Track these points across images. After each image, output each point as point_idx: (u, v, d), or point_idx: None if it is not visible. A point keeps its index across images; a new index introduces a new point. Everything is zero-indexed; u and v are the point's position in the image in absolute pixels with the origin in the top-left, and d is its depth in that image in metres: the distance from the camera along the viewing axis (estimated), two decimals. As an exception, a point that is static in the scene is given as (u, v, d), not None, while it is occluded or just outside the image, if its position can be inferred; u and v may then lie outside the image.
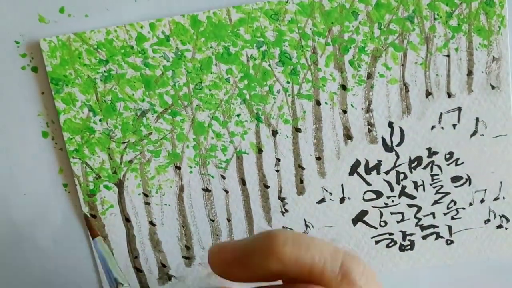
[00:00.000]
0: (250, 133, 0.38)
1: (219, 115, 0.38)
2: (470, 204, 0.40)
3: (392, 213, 0.40)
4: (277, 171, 0.39)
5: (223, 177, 0.39)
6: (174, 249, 0.41)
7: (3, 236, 0.41)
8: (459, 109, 0.38)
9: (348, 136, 0.38)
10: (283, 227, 0.40)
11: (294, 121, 0.38)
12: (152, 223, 0.40)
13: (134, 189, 0.39)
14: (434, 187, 0.39)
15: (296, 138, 0.38)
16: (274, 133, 0.38)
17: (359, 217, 0.40)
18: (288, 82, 0.37)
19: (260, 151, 0.38)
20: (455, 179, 0.39)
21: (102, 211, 0.39)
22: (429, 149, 0.38)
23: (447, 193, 0.40)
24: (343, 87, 0.37)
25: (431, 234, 0.41)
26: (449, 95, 0.37)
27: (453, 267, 0.42)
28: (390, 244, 0.41)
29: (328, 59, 0.36)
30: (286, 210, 0.40)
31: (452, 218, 0.40)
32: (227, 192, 0.39)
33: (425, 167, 0.39)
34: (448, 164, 0.39)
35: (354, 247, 0.41)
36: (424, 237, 0.41)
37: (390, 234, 0.41)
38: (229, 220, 0.40)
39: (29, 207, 0.40)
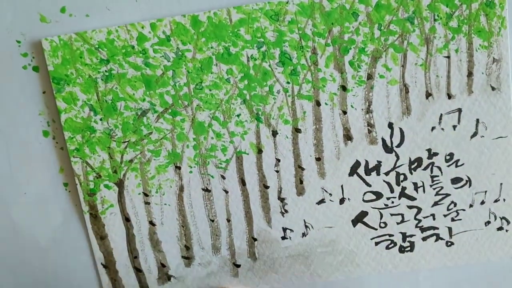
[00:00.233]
0: (250, 133, 0.38)
1: (219, 115, 0.38)
2: (470, 205, 0.40)
3: (392, 214, 0.40)
4: (277, 171, 0.39)
5: (223, 177, 0.39)
6: (173, 249, 0.41)
7: (3, 235, 0.41)
8: (459, 110, 0.38)
9: (348, 137, 0.38)
10: (282, 228, 0.40)
11: (294, 121, 0.38)
12: (151, 223, 0.40)
13: (134, 189, 0.39)
14: (434, 189, 0.39)
15: (296, 139, 0.38)
16: (274, 133, 0.38)
17: (359, 218, 0.40)
18: (288, 83, 0.37)
19: (260, 151, 0.39)
20: (455, 180, 0.39)
21: (102, 210, 0.40)
22: (429, 150, 0.38)
23: (447, 195, 0.40)
24: (343, 88, 0.37)
25: (431, 235, 0.41)
26: (449, 96, 0.37)
27: (453, 269, 0.42)
28: (390, 246, 0.41)
29: (328, 59, 0.37)
30: (286, 211, 0.40)
31: (452, 219, 0.40)
32: (226, 192, 0.40)
33: (425, 168, 0.39)
34: (448, 166, 0.39)
35: (354, 248, 0.41)
36: (424, 239, 0.41)
37: (390, 235, 0.41)
38: (228, 220, 0.40)
39: (30, 206, 0.40)
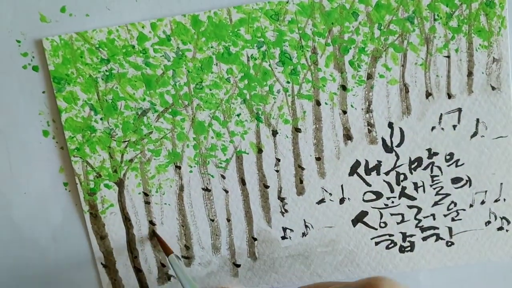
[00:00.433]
0: (250, 133, 0.38)
1: (219, 114, 0.38)
2: (471, 205, 0.40)
3: (392, 214, 0.40)
4: (277, 171, 0.39)
5: (223, 177, 0.39)
6: (173, 248, 0.41)
7: (3, 235, 0.41)
8: (459, 110, 0.38)
9: (348, 137, 0.38)
10: (282, 227, 0.40)
11: (294, 121, 0.38)
12: (152, 223, 0.40)
13: (134, 188, 0.39)
14: (434, 188, 0.39)
15: (296, 138, 0.38)
16: (274, 133, 0.38)
17: (359, 218, 0.40)
18: (288, 82, 0.37)
19: (260, 151, 0.39)
20: (456, 180, 0.39)
21: (102, 210, 0.40)
22: (429, 150, 0.38)
23: (447, 194, 0.40)
24: (343, 88, 0.37)
25: (431, 235, 0.41)
26: (449, 96, 0.37)
27: (453, 269, 0.42)
28: (390, 246, 0.41)
29: (328, 59, 0.37)
30: (286, 210, 0.40)
31: (453, 219, 0.40)
32: (227, 191, 0.40)
33: (425, 168, 0.39)
34: (449, 165, 0.39)
35: (354, 248, 0.41)
36: (424, 239, 0.41)
37: (390, 235, 0.41)
38: (228, 220, 0.40)
39: (30, 206, 0.40)
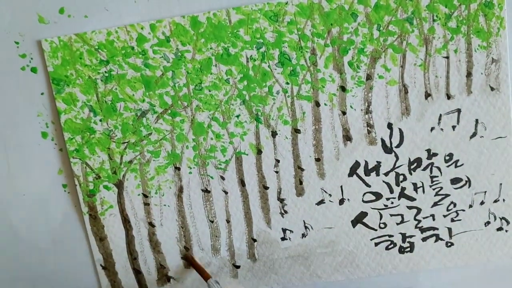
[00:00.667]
0: (250, 134, 0.38)
1: (218, 115, 0.38)
2: (470, 206, 0.40)
3: (391, 215, 0.40)
4: (277, 172, 0.39)
5: (223, 178, 0.39)
6: (173, 250, 0.41)
7: (3, 237, 0.41)
8: (459, 110, 0.38)
9: (347, 137, 0.38)
10: (282, 228, 0.40)
11: (293, 122, 0.38)
12: (151, 224, 0.40)
13: (134, 190, 0.39)
14: (433, 189, 0.39)
15: (295, 139, 0.38)
16: (274, 134, 0.38)
17: (359, 219, 0.40)
18: (287, 83, 0.37)
19: (259, 152, 0.39)
20: (455, 180, 0.39)
21: (101, 211, 0.40)
22: (428, 150, 0.38)
23: (447, 195, 0.40)
24: (342, 88, 0.37)
25: (431, 236, 0.41)
26: (449, 97, 0.37)
27: (453, 269, 0.42)
28: (390, 246, 0.41)
29: (327, 60, 0.37)
30: (286, 211, 0.40)
31: (452, 220, 0.40)
32: (226, 193, 0.39)
33: (424, 169, 0.39)
34: (448, 166, 0.39)
35: (354, 249, 0.41)
36: (423, 239, 0.41)
37: (390, 236, 0.41)
38: (228, 221, 0.40)
39: (29, 208, 0.40)
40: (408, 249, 0.41)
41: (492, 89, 0.37)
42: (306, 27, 0.36)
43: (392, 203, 0.40)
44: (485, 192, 0.39)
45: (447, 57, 0.37)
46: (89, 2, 0.35)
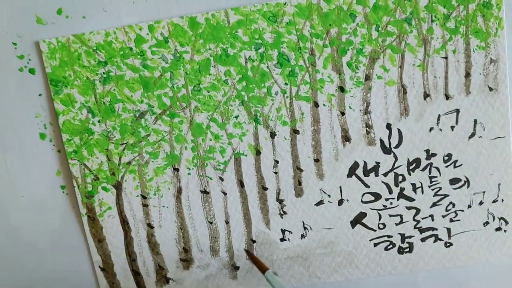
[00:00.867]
0: (249, 134, 0.38)
1: (217, 116, 0.38)
2: (469, 206, 0.40)
3: (390, 215, 0.40)
4: (276, 173, 0.39)
5: (221, 179, 0.39)
6: (172, 251, 0.41)
7: (1, 238, 0.41)
8: (457, 111, 0.38)
9: (346, 138, 0.38)
10: (281, 229, 0.40)
11: (292, 122, 0.38)
12: (150, 225, 0.40)
13: (132, 191, 0.39)
14: (432, 189, 0.39)
15: (294, 140, 0.38)
16: (273, 134, 0.38)
17: (358, 219, 0.40)
18: (286, 84, 0.37)
19: (258, 153, 0.38)
20: (454, 181, 0.39)
21: (100, 213, 0.39)
22: (427, 151, 0.38)
23: (446, 195, 0.40)
24: (341, 89, 0.37)
25: (430, 236, 0.41)
26: (447, 97, 0.37)
27: (452, 269, 0.42)
28: (389, 247, 0.41)
29: (326, 61, 0.37)
30: (285, 212, 0.40)
31: (451, 220, 0.40)
32: (225, 194, 0.39)
33: (423, 169, 0.39)
34: (447, 166, 0.39)
35: (353, 250, 0.41)
36: (422, 240, 0.41)
37: (389, 236, 0.41)
38: (227, 222, 0.40)
39: (27, 209, 0.40)
40: (407, 249, 0.41)
41: (490, 89, 0.37)
42: (305, 28, 0.36)
43: (391, 203, 0.40)
44: (484, 192, 0.39)
45: (446, 58, 0.37)
46: (87, 3, 0.35)
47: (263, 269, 0.37)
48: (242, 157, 0.39)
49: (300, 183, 0.39)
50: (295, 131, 0.38)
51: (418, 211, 0.40)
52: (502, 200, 0.40)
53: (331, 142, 0.38)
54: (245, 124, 0.38)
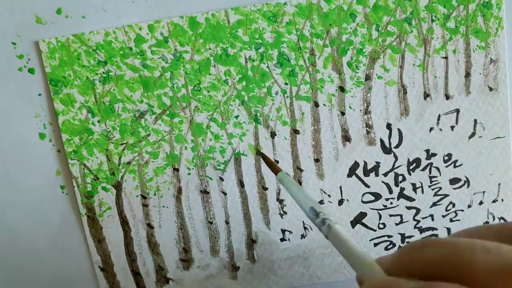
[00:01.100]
0: (249, 134, 0.38)
1: (217, 116, 0.37)
2: (469, 206, 0.40)
3: (390, 215, 0.40)
4: (276, 173, 0.39)
5: (221, 179, 0.39)
6: (171, 251, 0.41)
7: (0, 238, 0.40)
8: (457, 111, 0.38)
9: (346, 138, 0.38)
10: (281, 229, 0.40)
11: (292, 122, 0.38)
12: (150, 225, 0.40)
13: (132, 191, 0.39)
14: (432, 189, 0.39)
15: (294, 140, 0.38)
16: (273, 134, 0.38)
17: (358, 219, 0.40)
18: (286, 84, 0.37)
19: (258, 152, 0.38)
20: (454, 181, 0.39)
21: (99, 213, 0.39)
22: (427, 151, 0.38)
23: (446, 195, 0.40)
24: (341, 89, 0.37)
25: (430, 236, 0.41)
26: (447, 97, 0.37)
27: (452, 269, 0.42)
28: (389, 247, 0.41)
29: (326, 60, 0.37)
30: (285, 212, 0.40)
31: (451, 220, 0.40)
32: (225, 194, 0.39)
33: (423, 169, 0.39)
34: (447, 166, 0.39)
35: (353, 250, 0.41)
36: (422, 240, 0.41)
37: (389, 236, 0.41)
38: (227, 222, 0.40)
39: (26, 209, 0.40)
40: (407, 249, 0.41)
41: (490, 89, 0.37)
42: (305, 28, 0.36)
43: (391, 203, 0.40)
44: (484, 192, 0.39)
45: (446, 58, 0.37)
46: (86, 3, 0.35)
47: (276, 170, 0.35)
48: (242, 157, 0.38)
49: (300, 183, 0.39)
50: (295, 131, 0.38)
51: (418, 211, 0.40)
52: (502, 200, 0.40)
53: (331, 142, 0.38)
54: (245, 124, 0.38)
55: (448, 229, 0.40)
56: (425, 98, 0.37)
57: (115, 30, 0.35)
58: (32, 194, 0.39)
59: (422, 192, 0.39)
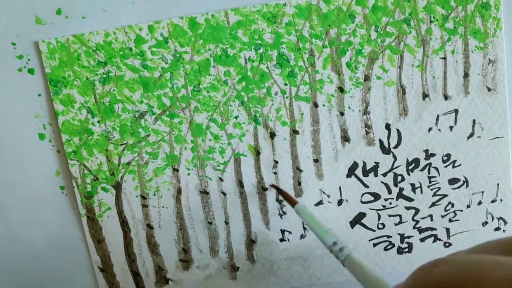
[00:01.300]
0: (248, 135, 0.38)
1: (217, 117, 0.38)
2: (468, 206, 0.40)
3: (389, 216, 0.40)
4: (275, 173, 0.39)
5: (221, 179, 0.39)
6: (171, 252, 0.41)
7: (0, 239, 0.40)
8: (456, 111, 0.38)
9: (345, 138, 0.38)
10: (280, 230, 0.40)
11: (292, 123, 0.38)
12: (149, 226, 0.40)
13: (132, 191, 0.39)
14: (431, 189, 0.40)
15: (294, 140, 0.38)
16: (272, 135, 0.38)
17: (357, 220, 0.40)
18: (286, 84, 0.37)
19: (258, 153, 0.38)
20: (453, 181, 0.39)
21: (99, 213, 0.39)
22: (426, 151, 0.39)
23: (445, 195, 0.40)
24: (341, 89, 0.37)
25: (429, 236, 0.41)
26: (446, 97, 0.38)
27: (451, 269, 0.42)
28: (388, 247, 0.41)
29: (325, 61, 0.37)
30: (284, 213, 0.40)
31: (450, 220, 0.40)
32: (224, 194, 0.39)
33: (422, 169, 0.39)
34: (446, 166, 0.39)
35: (352, 250, 0.41)
36: (422, 240, 0.41)
37: (388, 236, 0.41)
38: (226, 223, 0.40)
39: (26, 210, 0.40)
40: (407, 249, 0.41)
41: (489, 89, 0.37)
42: (304, 28, 0.36)
43: (390, 203, 0.40)
44: (483, 192, 0.40)
45: (444, 58, 0.37)
46: (86, 3, 0.35)
47: (292, 202, 0.36)
48: (241, 157, 0.39)
49: (299, 183, 0.39)
50: (294, 132, 0.38)
51: (417, 211, 0.40)
52: (501, 200, 0.40)
53: (331, 142, 0.38)
54: (245, 124, 0.38)
55: (447, 229, 0.41)
56: (423, 99, 0.38)
57: (115, 30, 0.36)
58: (31, 195, 0.39)
59: (421, 192, 0.40)
